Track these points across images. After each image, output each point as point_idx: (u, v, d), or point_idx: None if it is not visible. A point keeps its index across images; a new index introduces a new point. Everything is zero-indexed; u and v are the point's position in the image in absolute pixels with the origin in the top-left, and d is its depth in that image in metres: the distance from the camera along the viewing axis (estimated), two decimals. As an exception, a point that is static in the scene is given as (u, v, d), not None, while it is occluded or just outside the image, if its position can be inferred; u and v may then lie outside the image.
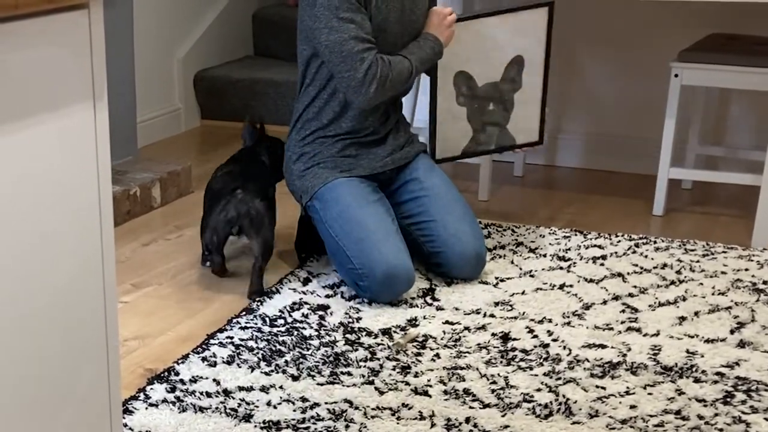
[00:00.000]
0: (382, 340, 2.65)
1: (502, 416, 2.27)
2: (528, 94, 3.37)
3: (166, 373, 2.44)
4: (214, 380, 2.41)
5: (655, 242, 3.41)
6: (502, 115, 3.35)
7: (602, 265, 3.20)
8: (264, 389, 2.37)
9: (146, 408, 2.28)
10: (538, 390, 2.40)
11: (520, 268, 3.16)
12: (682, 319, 2.81)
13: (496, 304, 2.89)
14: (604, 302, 2.91)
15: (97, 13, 1.39)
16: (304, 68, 3.04)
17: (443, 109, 3.26)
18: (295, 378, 2.43)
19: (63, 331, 1.44)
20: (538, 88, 3.38)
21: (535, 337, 2.69)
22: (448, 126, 3.29)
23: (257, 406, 2.30)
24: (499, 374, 2.47)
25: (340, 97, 3.00)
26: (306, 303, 2.86)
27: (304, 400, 2.33)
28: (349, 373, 2.46)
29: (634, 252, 3.32)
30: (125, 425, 2.19)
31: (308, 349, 2.58)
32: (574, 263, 3.21)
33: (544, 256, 3.27)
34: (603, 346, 2.63)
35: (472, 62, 3.26)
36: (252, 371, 2.46)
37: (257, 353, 2.55)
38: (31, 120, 1.32)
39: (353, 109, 3.00)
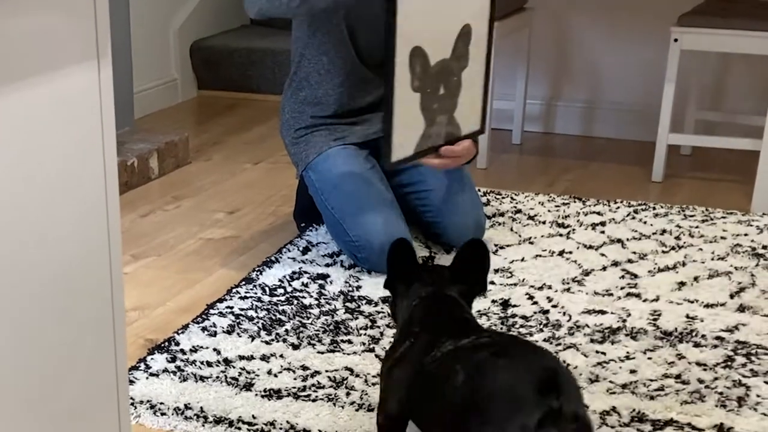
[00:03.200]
0: (382, 308, 2.65)
1: (503, 382, 2.28)
2: (472, 73, 2.84)
3: (166, 344, 2.45)
4: (215, 350, 2.41)
5: (654, 208, 3.41)
6: (450, 100, 2.80)
7: (602, 231, 3.20)
8: (264, 358, 2.38)
9: (147, 378, 2.28)
10: (539, 356, 2.40)
11: (520, 236, 3.16)
12: (682, 284, 2.81)
13: (496, 271, 2.88)
14: (604, 268, 2.91)
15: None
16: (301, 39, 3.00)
17: (399, 96, 2.62)
18: (295, 347, 2.43)
19: (69, 303, 1.44)
20: (482, 64, 2.88)
21: (535, 303, 2.69)
22: (402, 119, 2.66)
23: (258, 375, 2.30)
24: (499, 341, 2.47)
25: (329, 66, 2.97)
26: (306, 272, 2.86)
27: (304, 368, 2.33)
28: (349, 341, 2.46)
29: (633, 218, 3.31)
30: (126, 395, 2.20)
31: (308, 318, 2.58)
32: (574, 230, 3.21)
33: (543, 223, 3.27)
34: (603, 312, 2.63)
35: (424, 35, 2.63)
36: (252, 340, 2.46)
37: (257, 322, 2.55)
38: (32, 82, 1.30)
39: (332, 81, 2.96)
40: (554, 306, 2.67)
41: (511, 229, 3.21)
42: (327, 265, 2.91)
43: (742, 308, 2.66)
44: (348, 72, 2.96)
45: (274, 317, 2.58)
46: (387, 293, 2.71)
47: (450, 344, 1.77)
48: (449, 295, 1.95)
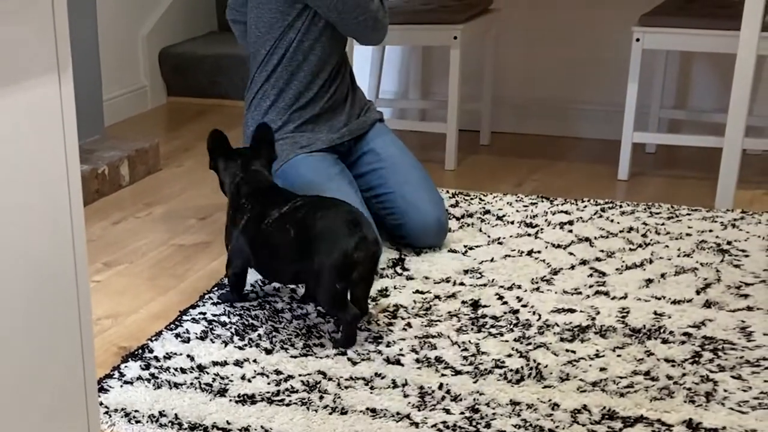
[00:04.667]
0: (353, 312, 2.67)
1: (474, 382, 2.30)
2: None
3: (140, 351, 2.46)
4: (188, 356, 2.43)
5: (620, 206, 3.45)
6: None
7: (570, 230, 3.23)
8: (238, 363, 2.39)
9: (121, 386, 2.30)
10: (509, 356, 2.43)
11: (489, 236, 3.19)
12: (649, 281, 2.85)
13: (466, 272, 2.91)
14: (572, 267, 2.95)
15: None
16: (270, 43, 3.04)
17: None
18: (268, 351, 2.45)
19: (35, 312, 1.45)
20: None
21: (505, 303, 2.72)
22: None
23: (232, 381, 2.32)
24: (470, 341, 2.50)
25: (294, 70, 3.02)
26: (277, 277, 2.88)
27: (278, 372, 2.35)
28: (321, 345, 2.49)
29: (601, 216, 3.35)
30: (100, 404, 2.21)
31: (281, 323, 2.60)
32: (542, 229, 3.24)
33: (512, 223, 3.30)
34: (572, 311, 2.66)
35: None
36: (225, 346, 2.48)
37: (230, 328, 2.57)
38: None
39: (302, 80, 3.03)
40: (524, 306, 2.70)
41: (480, 230, 3.24)
42: (298, 270, 2.93)
43: (708, 304, 2.70)
44: (313, 61, 3.04)
45: (246, 322, 2.60)
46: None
47: (276, 212, 2.51)
48: (260, 171, 2.67)
